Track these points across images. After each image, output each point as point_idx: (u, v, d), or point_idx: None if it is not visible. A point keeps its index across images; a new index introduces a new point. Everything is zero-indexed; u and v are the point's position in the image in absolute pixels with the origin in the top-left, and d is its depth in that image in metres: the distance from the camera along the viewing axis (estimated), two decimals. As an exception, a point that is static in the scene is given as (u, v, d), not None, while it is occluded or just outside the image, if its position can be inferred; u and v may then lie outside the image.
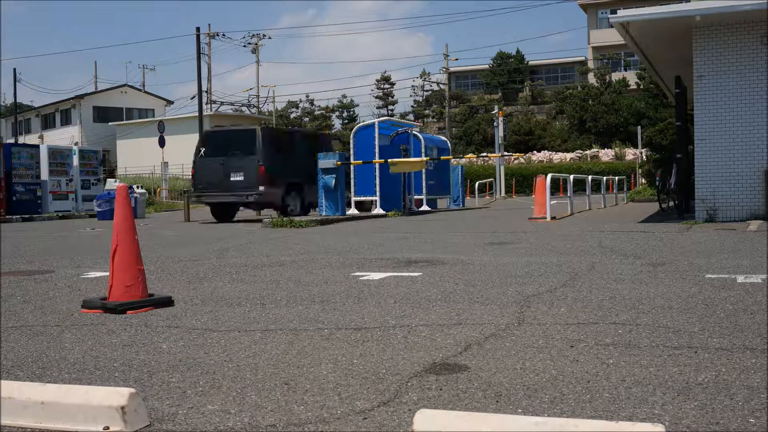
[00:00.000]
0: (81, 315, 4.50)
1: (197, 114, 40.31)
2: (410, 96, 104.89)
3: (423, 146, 18.58)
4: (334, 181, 15.64)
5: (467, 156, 30.16)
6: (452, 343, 3.45)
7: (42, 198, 23.07)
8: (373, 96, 71.33)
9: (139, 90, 56.39)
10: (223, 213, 17.37)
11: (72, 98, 51.33)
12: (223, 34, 54.67)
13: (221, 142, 17.09)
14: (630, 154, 41.65)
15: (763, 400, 2.50)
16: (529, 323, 3.88)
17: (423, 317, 4.12)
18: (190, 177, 18.53)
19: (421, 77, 66.51)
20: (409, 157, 17.27)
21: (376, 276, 5.92)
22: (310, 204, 17.34)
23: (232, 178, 16.50)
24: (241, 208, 18.17)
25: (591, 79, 55.95)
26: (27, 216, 21.49)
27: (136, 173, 40.19)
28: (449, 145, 23.30)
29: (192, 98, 58.52)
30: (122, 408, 2.26)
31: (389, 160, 16.00)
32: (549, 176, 14.16)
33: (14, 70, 74.22)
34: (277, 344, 3.54)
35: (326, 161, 15.76)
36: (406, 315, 4.21)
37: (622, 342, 3.40)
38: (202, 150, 17.16)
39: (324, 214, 15.66)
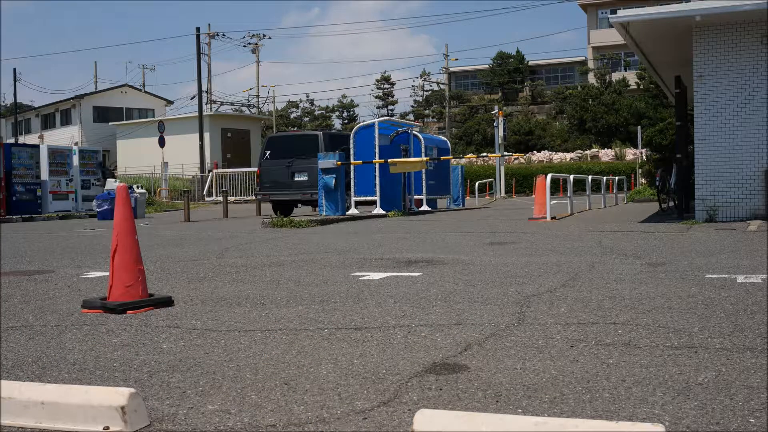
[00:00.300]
0: (81, 315, 4.50)
1: (197, 114, 40.35)
2: (410, 96, 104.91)
3: (423, 146, 18.56)
4: (334, 181, 15.63)
5: (467, 156, 30.15)
6: (452, 343, 3.45)
7: (42, 198, 23.07)
8: (373, 96, 71.40)
9: (139, 90, 56.35)
10: (284, 209, 18.64)
11: (72, 98, 51.31)
12: (223, 34, 54.62)
13: (285, 146, 18.75)
14: (630, 154, 41.63)
15: (763, 400, 2.50)
16: (529, 323, 3.88)
17: (423, 317, 4.12)
18: (256, 177, 20.42)
19: (421, 77, 66.56)
20: (409, 157, 17.25)
21: (376, 276, 5.92)
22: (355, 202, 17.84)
23: (296, 178, 18.20)
24: (298, 205, 19.67)
25: (591, 79, 55.95)
26: (27, 216, 21.48)
27: (136, 173, 40.16)
28: (449, 145, 23.28)
29: (192, 98, 58.49)
30: (122, 408, 2.26)
31: (389, 160, 15.98)
32: (549, 176, 14.14)
33: (14, 70, 74.25)
34: (277, 344, 3.54)
35: (326, 161, 15.75)
36: (406, 315, 4.21)
37: (622, 342, 3.40)
38: (267, 153, 18.88)
39: (324, 214, 15.65)
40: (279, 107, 68.43)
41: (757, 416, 2.34)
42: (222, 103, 54.46)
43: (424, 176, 18.73)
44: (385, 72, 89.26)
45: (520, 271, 6.02)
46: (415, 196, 18.49)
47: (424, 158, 17.12)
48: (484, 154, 41.02)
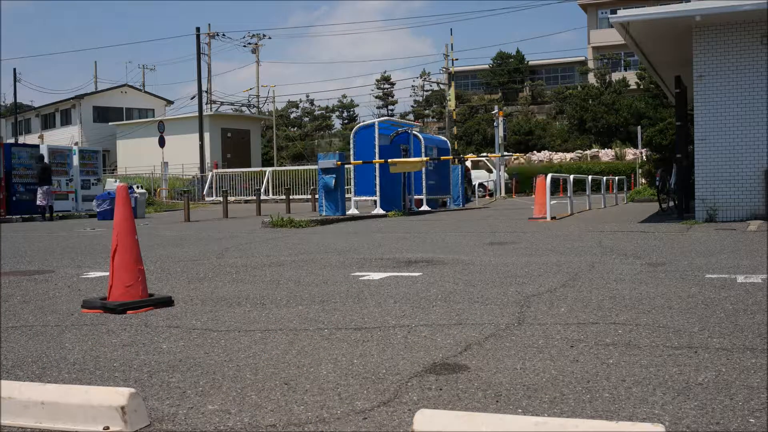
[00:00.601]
0: (81, 315, 4.50)
1: (197, 114, 40.34)
2: (410, 96, 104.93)
3: (423, 146, 18.58)
4: (334, 181, 15.64)
5: (467, 156, 30.13)
6: (452, 343, 3.45)
7: (42, 198, 23.04)
8: (373, 96, 71.39)
9: (139, 90, 56.33)
10: None
11: (72, 98, 51.29)
12: (223, 34, 54.57)
13: None
14: (630, 154, 41.60)
15: (763, 400, 2.50)
16: (529, 323, 3.88)
17: (423, 317, 4.12)
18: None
19: (421, 77, 66.53)
20: (409, 157, 17.26)
21: (376, 276, 5.92)
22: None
23: None
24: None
25: (591, 79, 55.92)
26: (27, 216, 21.48)
27: (136, 173, 40.14)
28: (449, 145, 23.29)
29: (192, 98, 58.41)
30: (122, 408, 2.26)
31: (389, 160, 15.99)
32: (549, 176, 14.14)
33: (14, 70, 74.24)
34: (277, 344, 3.54)
35: (326, 161, 15.77)
36: (406, 315, 4.21)
37: (622, 342, 3.40)
38: None
39: (324, 214, 15.66)
40: (279, 107, 68.38)
41: (757, 416, 2.34)
42: (222, 103, 54.41)
43: (424, 176, 18.74)
44: (385, 72, 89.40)
45: (520, 271, 6.02)
46: (415, 196, 18.49)
47: (424, 158, 17.13)
48: (484, 154, 41.00)
